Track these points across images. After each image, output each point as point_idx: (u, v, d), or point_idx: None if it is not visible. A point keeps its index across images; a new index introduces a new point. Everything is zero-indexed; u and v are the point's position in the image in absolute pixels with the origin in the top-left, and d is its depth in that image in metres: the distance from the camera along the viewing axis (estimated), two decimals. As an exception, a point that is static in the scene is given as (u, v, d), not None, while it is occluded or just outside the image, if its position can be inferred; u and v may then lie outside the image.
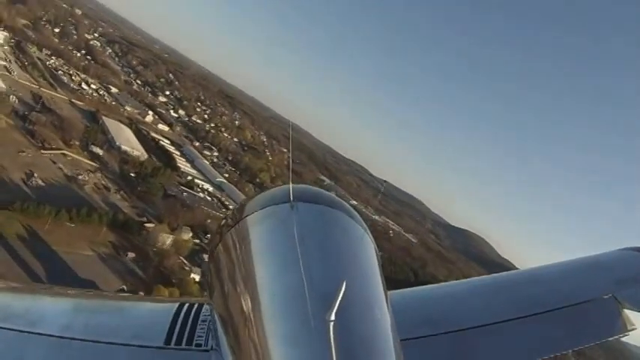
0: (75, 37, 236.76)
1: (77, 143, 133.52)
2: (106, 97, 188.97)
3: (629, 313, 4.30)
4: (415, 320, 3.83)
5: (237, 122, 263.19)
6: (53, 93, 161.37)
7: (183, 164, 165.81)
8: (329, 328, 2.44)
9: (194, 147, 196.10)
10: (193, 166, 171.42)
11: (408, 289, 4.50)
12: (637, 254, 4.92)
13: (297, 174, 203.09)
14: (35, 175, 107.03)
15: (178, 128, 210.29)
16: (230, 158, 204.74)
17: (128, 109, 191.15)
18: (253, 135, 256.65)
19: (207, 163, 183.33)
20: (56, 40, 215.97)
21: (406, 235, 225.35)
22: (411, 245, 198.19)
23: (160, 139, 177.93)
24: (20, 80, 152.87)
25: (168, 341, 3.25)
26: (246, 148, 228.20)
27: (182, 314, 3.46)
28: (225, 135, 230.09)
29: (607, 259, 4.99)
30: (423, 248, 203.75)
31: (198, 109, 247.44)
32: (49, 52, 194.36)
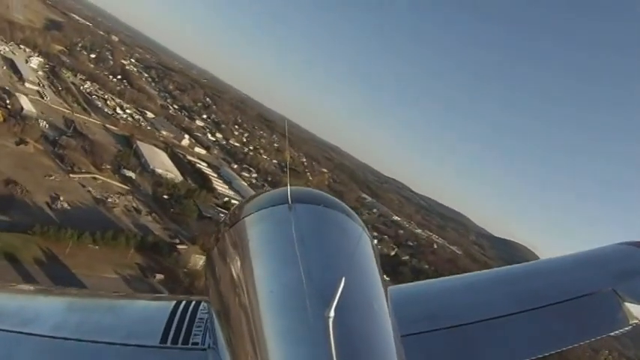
0: (111, 62, 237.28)
1: (109, 167, 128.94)
2: (141, 122, 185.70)
3: (630, 307, 4.28)
4: (416, 316, 3.82)
5: (276, 144, 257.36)
6: (86, 118, 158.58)
7: (220, 186, 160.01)
8: (328, 325, 2.43)
9: (232, 169, 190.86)
10: (231, 188, 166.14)
11: (408, 284, 4.54)
12: (634, 248, 4.91)
13: (338, 193, 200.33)
14: (61, 198, 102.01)
15: (216, 151, 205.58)
16: (269, 179, 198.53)
17: (164, 133, 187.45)
18: (293, 156, 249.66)
19: (246, 184, 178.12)
20: (91, 66, 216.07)
21: (450, 247, 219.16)
22: (456, 257, 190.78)
23: (196, 162, 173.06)
24: (53, 105, 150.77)
25: (164, 340, 3.26)
26: (285, 169, 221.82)
27: (179, 312, 3.45)
28: (264, 157, 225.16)
29: (605, 253, 4.98)
30: (469, 259, 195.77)
31: (236, 132, 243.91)
32: (83, 77, 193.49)
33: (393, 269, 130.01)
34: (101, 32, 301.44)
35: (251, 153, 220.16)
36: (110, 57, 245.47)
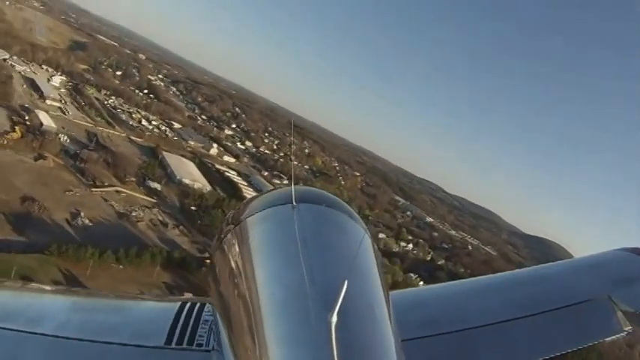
0: (137, 78, 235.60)
1: (133, 179, 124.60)
2: (167, 133, 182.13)
3: (626, 314, 4.37)
4: (416, 320, 3.90)
5: (307, 150, 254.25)
6: (110, 131, 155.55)
7: (250, 194, 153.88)
8: (330, 328, 2.46)
9: (262, 176, 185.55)
10: None
11: (409, 289, 4.83)
12: (632, 255, 4.99)
13: (371, 196, 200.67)
14: (82, 214, 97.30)
15: (245, 159, 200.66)
16: (301, 185, 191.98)
17: (191, 143, 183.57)
18: (324, 161, 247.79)
19: None
20: (117, 82, 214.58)
21: (485, 248, 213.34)
22: (491, 258, 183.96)
23: (225, 171, 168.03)
24: (75, 120, 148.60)
25: (169, 341, 3.29)
26: (317, 175, 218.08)
27: (184, 314, 3.49)
28: (295, 163, 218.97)
29: (603, 259, 5.09)
30: (503, 260, 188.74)
31: (266, 140, 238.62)
32: (108, 93, 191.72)
33: (430, 275, 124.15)
34: (128, 51, 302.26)
35: (282, 160, 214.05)
36: (136, 73, 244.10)
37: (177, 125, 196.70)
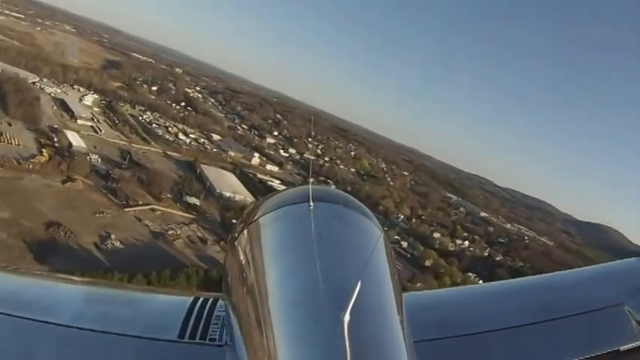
0: (173, 92, 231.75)
1: (169, 196, 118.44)
2: (206, 145, 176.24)
3: None
4: (429, 322, 3.91)
5: (352, 153, 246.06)
6: (145, 147, 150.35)
7: None
8: (343, 326, 2.48)
9: (307, 183, 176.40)
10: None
11: (423, 291, 4.91)
12: None
13: (422, 195, 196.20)
14: (112, 236, 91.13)
15: (289, 166, 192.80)
16: (349, 189, 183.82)
17: (232, 154, 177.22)
18: (371, 163, 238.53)
19: None
20: (152, 97, 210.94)
21: (541, 239, 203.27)
22: (549, 250, 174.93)
23: (268, 180, 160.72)
24: (108, 139, 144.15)
25: (182, 335, 3.32)
26: (365, 177, 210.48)
27: (197, 308, 3.53)
28: (342, 167, 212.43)
29: (619, 268, 5.11)
30: (561, 250, 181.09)
31: (310, 146, 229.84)
32: (143, 108, 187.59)
33: (489, 273, 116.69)
34: (164, 66, 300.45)
35: (327, 164, 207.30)
36: (173, 87, 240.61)
37: (216, 137, 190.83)
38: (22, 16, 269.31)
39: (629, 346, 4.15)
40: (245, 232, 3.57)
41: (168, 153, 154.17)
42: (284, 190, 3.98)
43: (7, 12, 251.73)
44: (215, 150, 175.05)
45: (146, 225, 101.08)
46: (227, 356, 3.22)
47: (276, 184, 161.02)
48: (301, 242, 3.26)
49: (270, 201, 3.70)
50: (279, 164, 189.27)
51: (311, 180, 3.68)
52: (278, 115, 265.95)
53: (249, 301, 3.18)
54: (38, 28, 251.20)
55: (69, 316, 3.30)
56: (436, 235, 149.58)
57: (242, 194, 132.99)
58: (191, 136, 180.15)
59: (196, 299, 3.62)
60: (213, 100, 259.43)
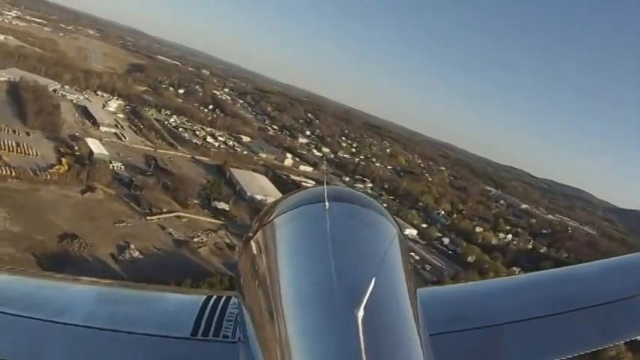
0: (200, 94, 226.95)
1: (196, 202, 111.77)
2: (236, 147, 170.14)
3: None
4: (443, 316, 3.98)
5: (388, 150, 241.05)
6: (172, 152, 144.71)
7: None
8: (357, 322, 2.55)
9: (343, 182, 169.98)
10: None
11: (438, 287, 5.12)
12: None
13: (461, 189, 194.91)
14: (131, 246, 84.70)
15: (323, 166, 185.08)
16: (386, 187, 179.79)
17: (263, 155, 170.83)
18: (408, 159, 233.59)
19: None
20: (179, 100, 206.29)
21: (584, 228, 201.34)
22: (593, 239, 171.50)
23: (302, 182, 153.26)
24: (132, 145, 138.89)
25: (195, 332, 3.39)
26: (402, 174, 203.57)
27: (209, 306, 3.61)
28: (377, 164, 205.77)
29: (630, 261, 5.23)
30: (605, 238, 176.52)
31: (343, 144, 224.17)
32: (169, 112, 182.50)
33: (535, 266, 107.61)
34: (190, 68, 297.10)
35: (362, 163, 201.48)
36: (200, 89, 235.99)
37: (246, 138, 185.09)
38: (45, 22, 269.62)
39: None
40: (260, 231, 3.61)
41: (196, 157, 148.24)
42: (299, 190, 3.99)
43: (28, 17, 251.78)
44: (245, 152, 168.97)
45: (169, 233, 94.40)
46: (240, 353, 3.26)
47: (310, 185, 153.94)
48: (316, 242, 3.29)
49: (286, 201, 3.74)
50: (314, 165, 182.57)
51: (326, 180, 3.66)
52: (309, 115, 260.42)
53: (263, 299, 3.23)
54: (61, 34, 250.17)
55: (81, 316, 3.37)
56: (478, 229, 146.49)
57: (274, 197, 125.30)
58: (220, 138, 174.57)
59: (209, 297, 3.69)
60: (242, 102, 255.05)
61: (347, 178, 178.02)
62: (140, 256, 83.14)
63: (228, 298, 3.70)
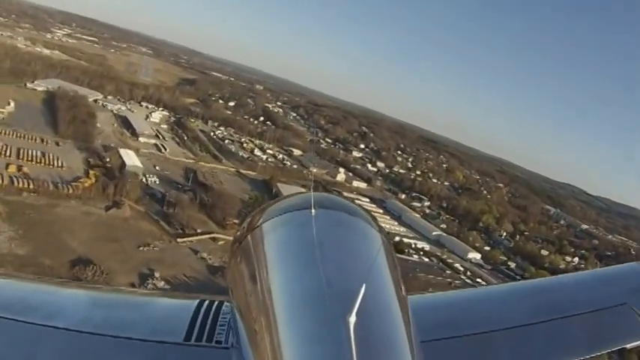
0: (252, 106, 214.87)
1: (236, 222, 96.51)
2: (285, 161, 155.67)
3: None
4: (435, 323, 3.95)
5: (444, 165, 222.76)
6: (215, 165, 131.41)
7: (388, 222, 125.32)
8: (349, 328, 2.55)
9: (399, 200, 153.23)
10: (401, 223, 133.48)
11: (429, 293, 4.81)
12: None
13: (521, 208, 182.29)
14: (156, 274, 71.31)
15: (378, 182, 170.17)
16: (444, 205, 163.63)
17: (314, 170, 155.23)
18: (465, 175, 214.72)
19: (418, 216, 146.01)
20: (228, 112, 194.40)
21: None
22: None
23: (355, 198, 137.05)
24: (173, 157, 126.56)
25: (188, 337, 3.35)
26: (460, 191, 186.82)
27: (202, 311, 3.58)
28: (434, 180, 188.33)
29: (621, 272, 5.26)
30: None
31: (399, 159, 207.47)
32: (216, 124, 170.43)
33: None
34: (243, 83, 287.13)
35: (419, 178, 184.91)
36: (252, 102, 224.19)
37: (297, 152, 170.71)
38: (96, 39, 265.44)
39: (635, 344, 4.21)
40: (249, 236, 3.58)
41: (241, 171, 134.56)
42: (286, 196, 3.95)
43: (79, 35, 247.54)
44: (295, 166, 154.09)
45: (202, 258, 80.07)
46: (233, 358, 3.23)
47: (364, 202, 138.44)
48: (304, 248, 3.28)
49: (273, 207, 3.71)
50: (367, 180, 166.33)
51: (312, 186, 3.63)
52: (364, 128, 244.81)
53: (255, 304, 3.20)
54: (112, 50, 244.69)
55: (75, 320, 3.34)
56: (544, 252, 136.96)
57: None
58: (269, 151, 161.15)
59: (202, 302, 3.63)
60: (294, 114, 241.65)
61: (403, 195, 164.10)
62: (165, 287, 68.72)
63: (221, 303, 3.61)
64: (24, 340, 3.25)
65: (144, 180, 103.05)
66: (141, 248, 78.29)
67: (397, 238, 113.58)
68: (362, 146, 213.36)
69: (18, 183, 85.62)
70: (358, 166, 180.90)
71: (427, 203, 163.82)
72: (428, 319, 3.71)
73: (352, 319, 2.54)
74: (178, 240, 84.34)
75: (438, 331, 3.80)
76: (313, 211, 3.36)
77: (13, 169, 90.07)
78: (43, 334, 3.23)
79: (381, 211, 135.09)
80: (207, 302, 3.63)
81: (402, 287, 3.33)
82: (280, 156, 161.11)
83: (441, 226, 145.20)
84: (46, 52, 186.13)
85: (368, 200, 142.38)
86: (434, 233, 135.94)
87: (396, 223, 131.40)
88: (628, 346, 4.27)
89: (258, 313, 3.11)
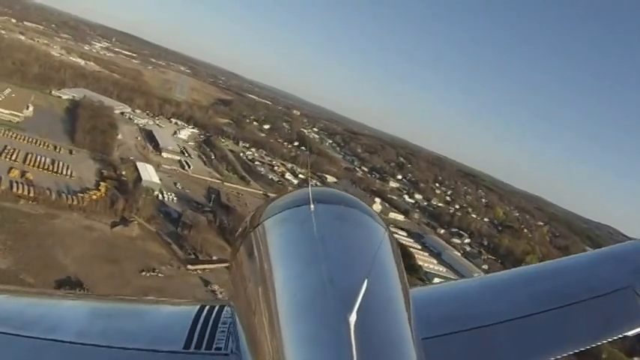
0: (287, 130, 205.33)
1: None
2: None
3: None
4: (437, 318, 3.86)
5: (484, 200, 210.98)
6: (242, 187, 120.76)
7: (426, 259, 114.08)
8: (350, 327, 2.52)
9: (439, 235, 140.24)
10: (440, 262, 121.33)
11: (429, 286, 4.87)
12: None
13: (563, 249, 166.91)
14: (152, 309, 58.57)
15: (416, 215, 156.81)
16: (485, 243, 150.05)
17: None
18: (505, 211, 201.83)
19: (459, 254, 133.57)
20: (262, 135, 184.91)
21: None
22: None
23: (392, 232, 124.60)
24: (196, 175, 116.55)
25: (187, 345, 3.28)
26: (500, 228, 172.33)
27: (202, 317, 3.50)
28: (473, 216, 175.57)
29: (624, 251, 5.04)
30: None
31: (437, 191, 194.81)
32: (247, 145, 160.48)
33: None
34: (280, 107, 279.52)
35: (458, 213, 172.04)
36: (287, 126, 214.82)
37: (331, 178, 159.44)
38: (134, 55, 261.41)
39: (638, 330, 4.07)
40: (249, 236, 3.54)
41: (270, 195, 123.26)
42: (285, 193, 3.83)
43: (117, 49, 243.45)
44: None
45: (213, 291, 68.15)
46: None
47: (402, 235, 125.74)
48: (305, 245, 3.23)
49: (272, 205, 3.63)
50: (405, 212, 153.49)
51: (311, 181, 3.48)
52: (401, 158, 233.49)
53: (256, 307, 3.16)
54: (149, 67, 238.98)
55: (73, 332, 3.27)
56: None
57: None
58: (300, 176, 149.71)
59: (202, 307, 3.57)
60: (330, 141, 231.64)
61: (442, 230, 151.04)
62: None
63: (222, 308, 3.55)
64: (25, 356, 3.12)
65: (160, 197, 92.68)
66: (143, 273, 67.40)
67: (436, 280, 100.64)
68: (399, 177, 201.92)
69: (17, 189, 76.20)
70: (395, 197, 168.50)
71: (467, 240, 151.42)
72: (430, 314, 3.64)
73: (354, 318, 2.50)
74: (189, 267, 73.30)
75: (440, 327, 3.67)
76: (312, 206, 3.27)
77: (15, 173, 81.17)
78: (43, 349, 3.10)
79: (419, 246, 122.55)
80: (207, 307, 3.53)
81: (405, 281, 3.25)
82: (313, 182, 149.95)
83: (483, 267, 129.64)
84: (80, 62, 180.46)
85: (405, 234, 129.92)
86: (475, 275, 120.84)
87: (435, 261, 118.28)
88: (633, 332, 4.06)
89: (259, 316, 3.06)
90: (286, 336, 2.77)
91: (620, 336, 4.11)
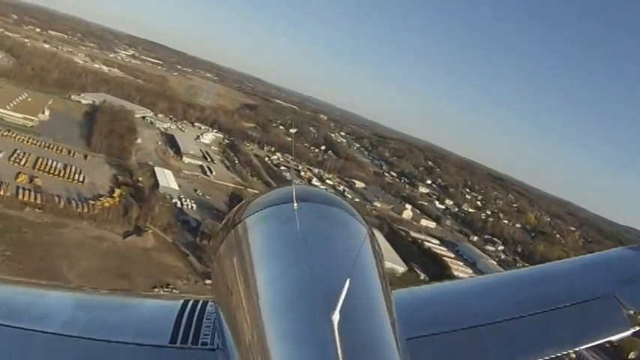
0: (314, 135, 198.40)
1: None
2: (346, 194, 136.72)
3: (631, 313, 4.39)
4: (420, 319, 3.86)
5: (515, 205, 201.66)
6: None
7: (461, 269, 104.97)
8: (333, 326, 2.50)
9: (472, 243, 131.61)
10: (475, 271, 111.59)
11: (412, 287, 4.63)
12: (637, 253, 5.00)
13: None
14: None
15: (448, 222, 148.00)
16: (520, 250, 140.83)
17: (377, 204, 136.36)
18: (537, 217, 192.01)
19: (494, 262, 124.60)
20: (288, 139, 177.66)
21: None
22: None
23: (424, 240, 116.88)
24: (218, 181, 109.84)
25: (173, 340, 3.27)
26: (533, 234, 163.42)
27: (187, 312, 3.49)
28: (505, 222, 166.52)
29: (609, 257, 5.10)
30: None
31: (467, 197, 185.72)
32: (272, 149, 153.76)
33: None
34: (308, 112, 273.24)
35: (490, 219, 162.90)
36: (314, 131, 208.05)
37: (359, 184, 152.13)
38: (160, 62, 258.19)
39: (620, 336, 4.09)
40: (231, 233, 3.48)
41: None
42: (267, 191, 3.81)
43: (143, 57, 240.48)
44: (357, 200, 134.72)
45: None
46: None
47: (434, 244, 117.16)
48: (287, 242, 3.23)
49: (255, 202, 3.59)
50: (437, 219, 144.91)
51: (294, 179, 3.34)
52: (430, 162, 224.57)
53: (240, 303, 3.15)
54: (175, 74, 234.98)
55: (59, 323, 3.25)
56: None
57: (392, 261, 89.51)
58: (328, 182, 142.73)
59: (186, 302, 3.53)
60: (358, 145, 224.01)
61: (475, 238, 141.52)
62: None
63: (206, 303, 3.49)
64: (9, 345, 3.10)
65: (178, 204, 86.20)
66: (156, 290, 60.57)
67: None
68: (428, 181, 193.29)
69: (23, 195, 70.45)
70: (425, 203, 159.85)
71: (501, 247, 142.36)
72: (413, 315, 3.60)
73: (336, 317, 2.47)
74: (207, 282, 66.29)
75: (423, 328, 3.65)
76: (295, 204, 3.24)
77: (23, 179, 75.83)
78: (28, 338, 3.08)
79: (452, 255, 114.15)
80: (191, 302, 3.49)
81: (387, 282, 3.22)
82: (341, 187, 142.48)
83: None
84: (104, 68, 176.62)
85: (438, 242, 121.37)
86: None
87: (470, 271, 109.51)
88: (614, 338, 4.10)
89: (242, 312, 3.04)
90: (269, 334, 2.75)
91: (603, 341, 4.04)
